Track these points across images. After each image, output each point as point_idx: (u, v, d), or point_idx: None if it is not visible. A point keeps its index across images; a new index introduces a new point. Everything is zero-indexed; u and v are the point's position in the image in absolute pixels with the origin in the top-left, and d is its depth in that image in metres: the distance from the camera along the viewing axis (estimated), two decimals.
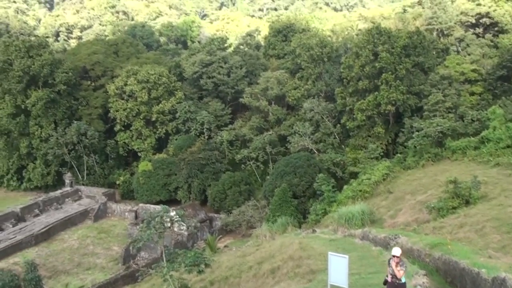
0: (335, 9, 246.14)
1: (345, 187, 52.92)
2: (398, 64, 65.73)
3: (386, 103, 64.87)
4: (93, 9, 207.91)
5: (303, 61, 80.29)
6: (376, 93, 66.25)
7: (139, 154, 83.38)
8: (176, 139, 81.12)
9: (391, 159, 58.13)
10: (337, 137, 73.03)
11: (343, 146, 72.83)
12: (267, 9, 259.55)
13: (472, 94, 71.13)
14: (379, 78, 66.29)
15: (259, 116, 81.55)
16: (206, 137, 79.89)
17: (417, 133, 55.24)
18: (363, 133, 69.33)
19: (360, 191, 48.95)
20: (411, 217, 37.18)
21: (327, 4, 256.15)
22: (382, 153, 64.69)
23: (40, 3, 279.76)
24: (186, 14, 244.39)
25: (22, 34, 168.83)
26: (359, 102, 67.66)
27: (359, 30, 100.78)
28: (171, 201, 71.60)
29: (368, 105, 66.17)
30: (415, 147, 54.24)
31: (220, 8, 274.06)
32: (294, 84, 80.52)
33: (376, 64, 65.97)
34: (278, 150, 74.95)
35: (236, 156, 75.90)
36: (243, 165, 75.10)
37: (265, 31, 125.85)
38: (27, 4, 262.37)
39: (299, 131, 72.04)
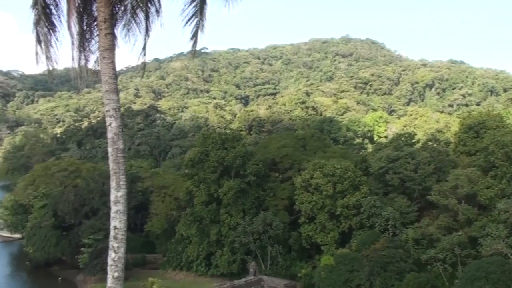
0: None
1: None
2: None
3: None
4: (284, 104, 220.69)
5: (497, 158, 76.25)
6: None
7: (321, 247, 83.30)
8: (359, 235, 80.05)
9: None
10: None
11: None
12: (458, 104, 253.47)
13: None
14: None
15: (448, 215, 77.60)
16: (391, 234, 77.84)
17: None
18: None
19: None
20: None
21: None
22: None
23: (236, 99, 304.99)
24: (373, 109, 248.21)
25: (219, 127, 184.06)
26: None
27: None
28: None
29: None
30: None
31: (408, 104, 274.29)
32: (487, 182, 76.16)
33: None
34: (468, 252, 70.03)
35: (422, 256, 72.22)
36: (429, 266, 71.09)
37: (455, 127, 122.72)
38: (225, 100, 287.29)
39: (492, 233, 67.04)
